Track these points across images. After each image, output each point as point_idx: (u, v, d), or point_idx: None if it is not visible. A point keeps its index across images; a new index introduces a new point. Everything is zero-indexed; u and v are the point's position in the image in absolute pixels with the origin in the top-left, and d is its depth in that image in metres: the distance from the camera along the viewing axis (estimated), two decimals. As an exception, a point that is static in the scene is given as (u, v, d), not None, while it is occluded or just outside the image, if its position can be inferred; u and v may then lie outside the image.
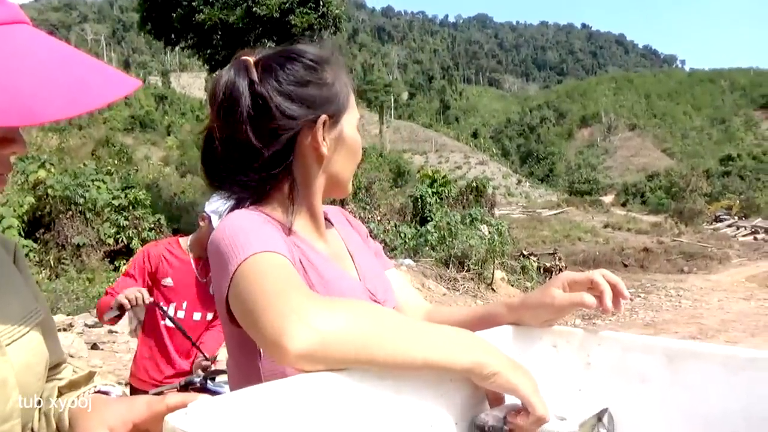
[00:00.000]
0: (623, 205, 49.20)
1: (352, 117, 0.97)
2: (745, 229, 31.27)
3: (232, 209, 0.93)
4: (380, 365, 0.66)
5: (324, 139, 0.92)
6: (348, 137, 0.96)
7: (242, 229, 0.81)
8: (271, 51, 0.94)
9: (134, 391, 2.57)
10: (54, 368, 0.88)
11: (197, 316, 2.55)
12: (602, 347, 0.81)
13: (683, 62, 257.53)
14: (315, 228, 0.98)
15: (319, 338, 0.63)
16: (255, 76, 0.89)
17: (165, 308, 2.44)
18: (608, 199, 51.71)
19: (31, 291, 0.83)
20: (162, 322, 2.53)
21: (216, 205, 2.42)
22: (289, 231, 0.90)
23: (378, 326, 0.68)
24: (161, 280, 2.48)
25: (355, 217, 1.16)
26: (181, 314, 2.51)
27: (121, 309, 2.25)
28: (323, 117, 0.91)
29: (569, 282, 0.87)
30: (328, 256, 0.96)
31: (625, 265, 19.99)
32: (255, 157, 0.89)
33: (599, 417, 0.78)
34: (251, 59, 0.92)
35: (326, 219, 1.05)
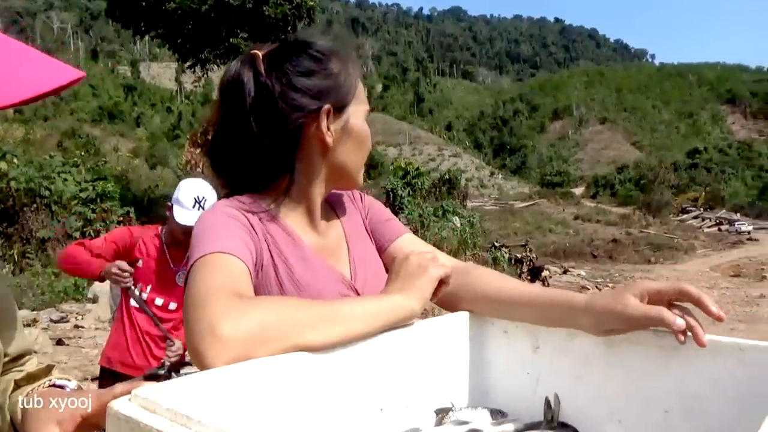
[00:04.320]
0: (593, 197, 50.11)
1: (359, 108, 0.97)
2: (710, 220, 32.12)
3: (224, 197, 0.94)
4: (307, 349, 0.68)
5: (329, 129, 0.93)
6: (354, 127, 0.96)
7: (212, 226, 0.84)
8: (281, 43, 0.96)
9: (104, 372, 2.57)
10: (17, 359, 0.87)
11: (173, 305, 2.56)
12: (549, 332, 0.83)
13: (653, 56, 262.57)
14: (309, 221, 0.97)
15: (228, 355, 0.65)
16: (261, 68, 0.90)
17: (137, 292, 2.47)
18: (579, 191, 52.56)
19: None
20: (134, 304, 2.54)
21: (182, 193, 2.43)
22: (271, 219, 0.91)
23: (291, 319, 0.69)
24: (133, 259, 2.54)
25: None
26: (143, 296, 2.55)
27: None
28: (327, 107, 0.92)
29: (649, 292, 0.73)
30: (315, 251, 0.95)
31: (594, 256, 20.38)
32: (258, 148, 0.90)
33: (548, 404, 0.80)
34: (260, 52, 0.93)
35: (332, 209, 1.04)
